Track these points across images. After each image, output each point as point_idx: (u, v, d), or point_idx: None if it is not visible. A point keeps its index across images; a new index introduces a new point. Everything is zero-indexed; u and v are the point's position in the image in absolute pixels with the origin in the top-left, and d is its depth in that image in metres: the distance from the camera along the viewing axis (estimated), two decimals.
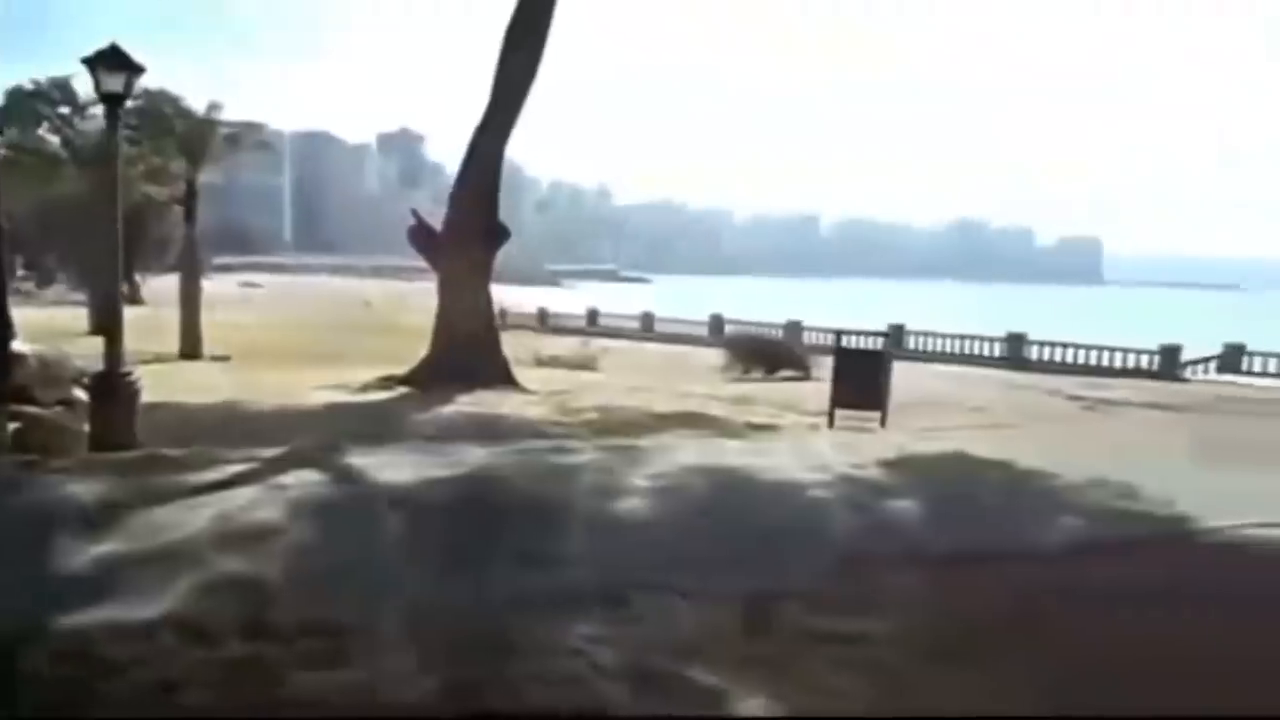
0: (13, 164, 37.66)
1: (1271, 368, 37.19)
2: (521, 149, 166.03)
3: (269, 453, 10.27)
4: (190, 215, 33.17)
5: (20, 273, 61.41)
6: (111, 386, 11.32)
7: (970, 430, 14.30)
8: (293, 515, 7.97)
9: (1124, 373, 36.29)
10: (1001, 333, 43.46)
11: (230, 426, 12.97)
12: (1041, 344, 41.88)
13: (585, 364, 30.69)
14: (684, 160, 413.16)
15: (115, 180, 12.34)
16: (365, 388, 18.15)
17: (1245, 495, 9.06)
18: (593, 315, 58.73)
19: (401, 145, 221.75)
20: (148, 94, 30.72)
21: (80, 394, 11.64)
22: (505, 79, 19.36)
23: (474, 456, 10.48)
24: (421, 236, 20.59)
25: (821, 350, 29.71)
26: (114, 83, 11.55)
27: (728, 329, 47.11)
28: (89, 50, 11.69)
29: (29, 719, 4.85)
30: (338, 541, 7.52)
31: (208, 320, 31.45)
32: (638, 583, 6.46)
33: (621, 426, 13.72)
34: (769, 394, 19.55)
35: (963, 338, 44.49)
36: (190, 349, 29.59)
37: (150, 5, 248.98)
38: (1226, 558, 7.63)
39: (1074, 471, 10.07)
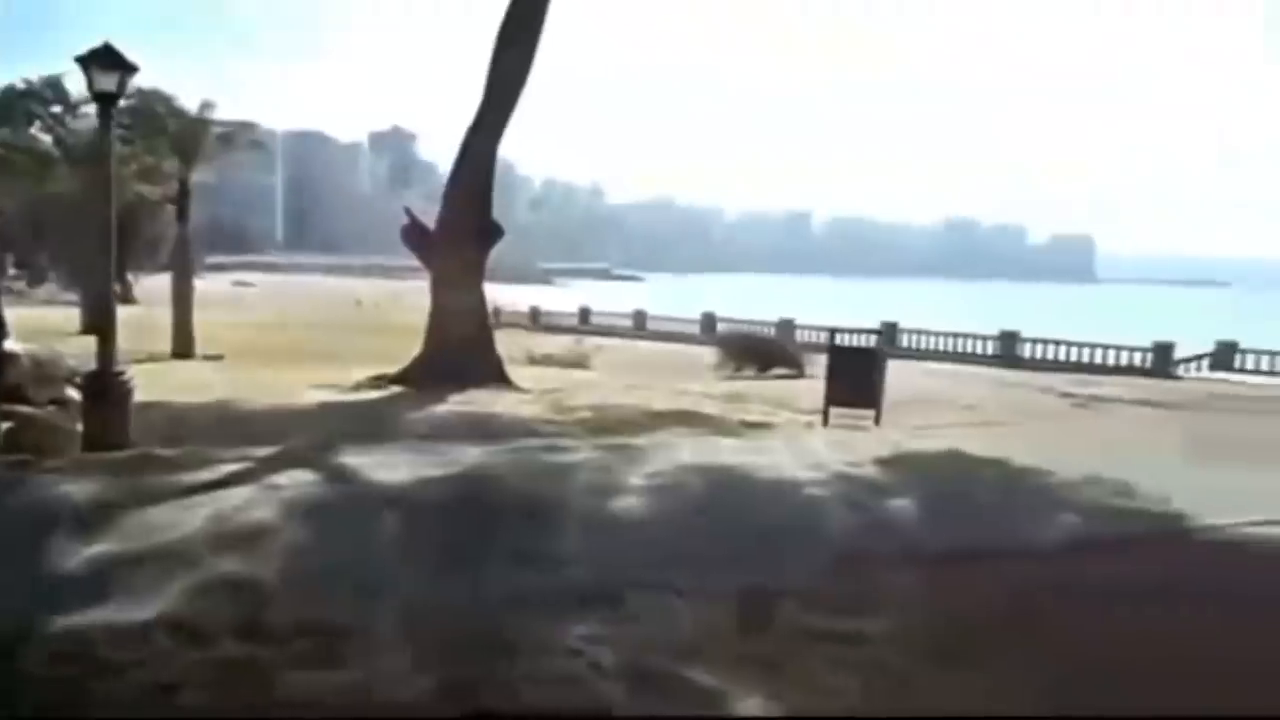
0: (5, 163, 37.58)
1: (1264, 365, 37.26)
2: (514, 147, 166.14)
3: (263, 452, 10.25)
4: (183, 214, 33.06)
5: (12, 272, 61.30)
6: (104, 386, 11.27)
7: (964, 428, 14.32)
8: (287, 515, 7.96)
9: (1117, 370, 36.32)
10: (994, 331, 43.49)
11: (223, 426, 12.92)
12: (1034, 342, 41.90)
13: (578, 362, 30.70)
14: (682, 160, 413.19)
15: (109, 179, 12.30)
16: (358, 387, 18.11)
17: (1239, 493, 9.09)
18: (585, 313, 58.69)
19: (394, 144, 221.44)
20: (140, 93, 30.60)
21: (73, 393, 11.58)
22: (498, 77, 19.33)
23: (468, 455, 10.48)
24: (415, 235, 20.56)
25: (814, 348, 29.75)
26: (107, 82, 11.49)
27: (720, 327, 47.14)
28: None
29: (28, 719, 4.83)
30: (332, 541, 7.50)
31: (200, 319, 31.36)
32: (633, 581, 6.45)
33: (615, 425, 13.70)
34: (762, 392, 19.53)
35: (955, 336, 44.49)
36: (183, 348, 29.51)
37: (150, 5, 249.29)
38: (1223, 555, 7.65)
39: (1068, 469, 10.10)
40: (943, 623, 5.92)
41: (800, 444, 12.42)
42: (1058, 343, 41.10)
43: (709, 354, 31.54)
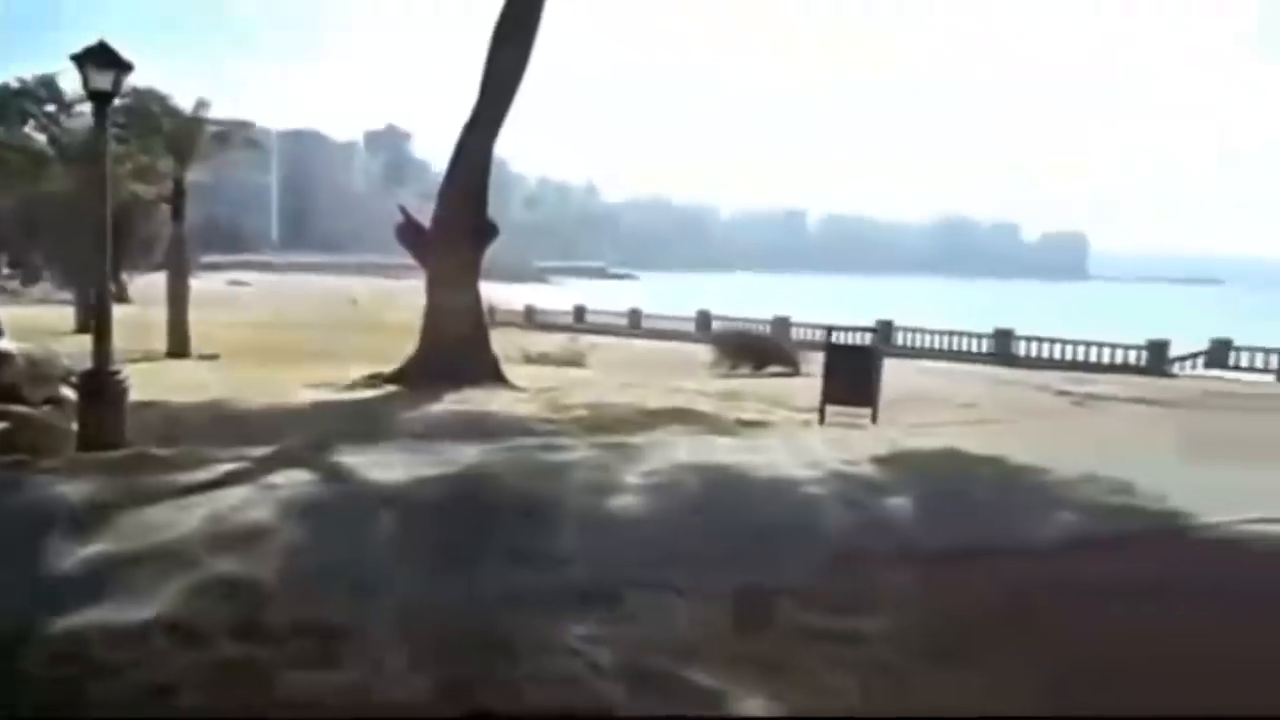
0: None
1: (1259, 363, 37.30)
2: (509, 145, 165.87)
3: (258, 452, 10.23)
4: (178, 214, 32.99)
5: (5, 271, 61.29)
6: (100, 385, 11.25)
7: (960, 426, 14.34)
8: (283, 515, 7.94)
9: (1112, 368, 36.39)
10: (988, 328, 43.52)
11: (219, 425, 12.91)
12: (1029, 339, 41.93)
13: (573, 361, 30.69)
14: (679, 159, 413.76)
15: (104, 178, 12.29)
16: (354, 386, 18.10)
17: (1235, 490, 9.09)
18: (580, 312, 58.71)
19: (389, 143, 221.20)
20: (135, 92, 30.54)
21: (69, 393, 11.56)
22: (494, 75, 19.31)
23: (464, 454, 10.47)
24: (410, 234, 20.53)
25: (809, 346, 29.77)
26: (102, 80, 11.45)
27: (715, 325, 47.16)
28: None
29: (28, 719, 4.82)
30: (329, 541, 7.48)
31: (195, 319, 31.31)
32: (630, 580, 6.45)
33: (611, 423, 13.71)
34: (758, 390, 19.53)
35: (950, 334, 44.53)
36: (178, 347, 29.47)
37: (150, 5, 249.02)
38: (1220, 553, 7.64)
39: (1065, 467, 10.09)
40: (940, 621, 5.92)
41: (797, 442, 12.42)
42: (1052, 341, 41.12)
43: (704, 352, 31.54)
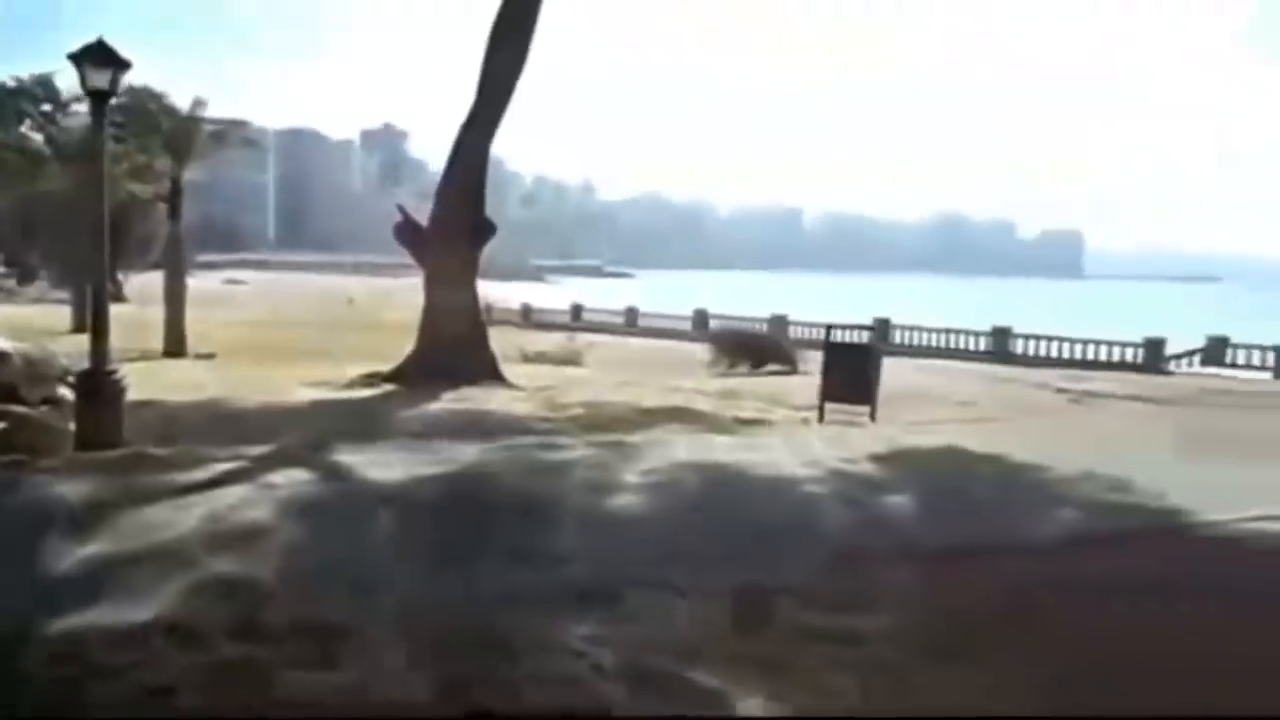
0: None
1: (1255, 360, 37.34)
2: (506, 144, 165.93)
3: (256, 451, 10.21)
4: (175, 212, 32.92)
5: (1, 270, 61.25)
6: (97, 385, 11.21)
7: (959, 424, 14.33)
8: (281, 514, 7.93)
9: (1109, 365, 36.42)
10: (986, 327, 43.54)
11: (217, 425, 12.87)
12: (1026, 337, 41.96)
13: (571, 359, 30.64)
14: (676, 157, 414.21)
15: (101, 178, 12.23)
16: (351, 385, 18.05)
17: (1233, 487, 9.10)
18: (577, 310, 58.73)
19: (385, 141, 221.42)
20: (132, 91, 30.44)
21: (66, 392, 11.53)
22: (491, 75, 19.28)
23: (462, 453, 10.45)
24: (408, 233, 20.50)
25: (807, 344, 29.77)
26: (100, 79, 11.41)
27: (713, 324, 47.17)
28: None
29: (27, 719, 4.81)
30: (327, 540, 7.47)
31: (192, 318, 31.24)
32: (630, 579, 6.44)
33: (609, 422, 13.68)
34: (756, 388, 19.51)
35: (948, 331, 44.56)
36: (175, 347, 29.40)
37: (150, 5, 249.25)
38: (1219, 551, 7.64)
39: (1065, 464, 10.10)
40: (940, 619, 5.91)
41: (796, 440, 12.40)
42: (1050, 338, 41.18)
43: (702, 351, 31.50)
